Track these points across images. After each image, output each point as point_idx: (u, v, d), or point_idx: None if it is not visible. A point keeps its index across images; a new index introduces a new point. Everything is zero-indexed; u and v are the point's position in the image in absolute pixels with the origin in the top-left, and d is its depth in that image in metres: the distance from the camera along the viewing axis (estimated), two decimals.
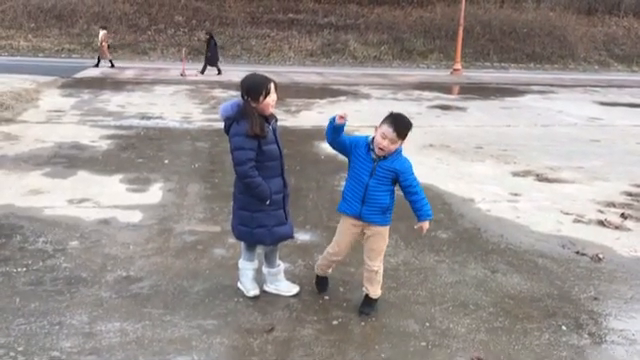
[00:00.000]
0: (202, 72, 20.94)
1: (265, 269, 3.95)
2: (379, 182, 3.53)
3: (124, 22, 30.60)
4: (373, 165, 3.52)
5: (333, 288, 4.02)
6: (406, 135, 3.48)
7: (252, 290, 3.85)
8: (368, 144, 3.55)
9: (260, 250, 3.94)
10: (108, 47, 23.16)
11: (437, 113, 13.31)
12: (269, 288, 3.94)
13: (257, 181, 3.51)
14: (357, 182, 3.58)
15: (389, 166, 3.51)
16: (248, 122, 3.45)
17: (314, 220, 5.48)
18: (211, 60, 21.05)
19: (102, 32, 22.84)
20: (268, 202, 3.59)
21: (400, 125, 3.43)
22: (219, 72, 20.88)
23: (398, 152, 3.54)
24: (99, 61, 22.77)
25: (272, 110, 3.62)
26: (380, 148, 3.45)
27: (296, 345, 3.32)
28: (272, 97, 3.54)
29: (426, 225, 3.58)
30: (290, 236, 3.87)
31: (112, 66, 22.56)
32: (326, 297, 3.90)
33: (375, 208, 3.56)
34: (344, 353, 3.24)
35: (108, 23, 27.83)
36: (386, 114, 3.52)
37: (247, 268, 3.88)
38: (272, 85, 3.54)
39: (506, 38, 33.10)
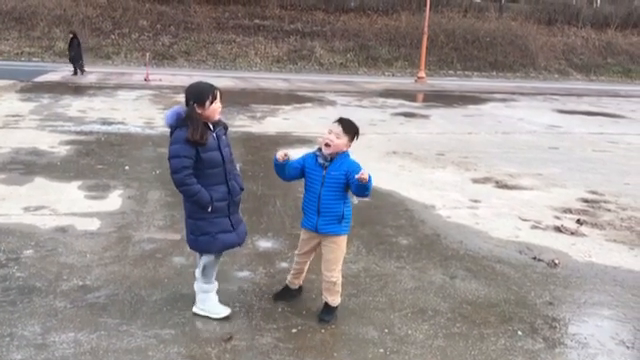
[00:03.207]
0: (75, 74, 20.53)
1: (197, 285, 3.74)
2: (330, 190, 3.56)
3: (87, 26, 30.03)
4: (323, 173, 3.57)
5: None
6: (352, 133, 3.57)
7: (224, 311, 3.70)
8: (315, 154, 3.63)
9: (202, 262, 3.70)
10: None
11: (401, 120, 13.44)
12: (197, 309, 3.72)
13: (194, 189, 3.45)
14: (311, 194, 3.63)
15: (338, 169, 3.55)
16: (190, 127, 3.40)
17: (277, 227, 5.47)
18: (74, 59, 20.78)
19: None
20: (210, 209, 3.51)
21: (346, 123, 3.59)
22: (75, 72, 20.47)
23: (346, 155, 3.60)
24: None
25: (219, 117, 3.60)
26: (326, 144, 3.53)
27: (255, 354, 3.29)
28: (218, 104, 3.53)
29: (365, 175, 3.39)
30: (237, 244, 3.73)
31: None
32: (286, 305, 3.89)
33: (330, 218, 3.59)
34: None
35: (70, 27, 27.23)
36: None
37: (211, 291, 3.73)
38: (218, 92, 3.53)
39: (469, 47, 33.66)
